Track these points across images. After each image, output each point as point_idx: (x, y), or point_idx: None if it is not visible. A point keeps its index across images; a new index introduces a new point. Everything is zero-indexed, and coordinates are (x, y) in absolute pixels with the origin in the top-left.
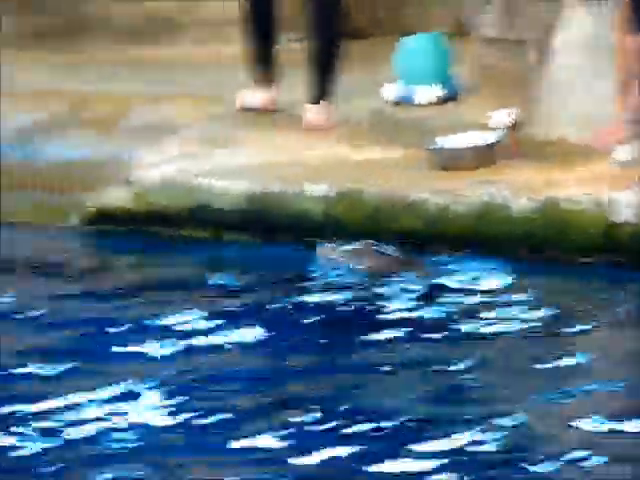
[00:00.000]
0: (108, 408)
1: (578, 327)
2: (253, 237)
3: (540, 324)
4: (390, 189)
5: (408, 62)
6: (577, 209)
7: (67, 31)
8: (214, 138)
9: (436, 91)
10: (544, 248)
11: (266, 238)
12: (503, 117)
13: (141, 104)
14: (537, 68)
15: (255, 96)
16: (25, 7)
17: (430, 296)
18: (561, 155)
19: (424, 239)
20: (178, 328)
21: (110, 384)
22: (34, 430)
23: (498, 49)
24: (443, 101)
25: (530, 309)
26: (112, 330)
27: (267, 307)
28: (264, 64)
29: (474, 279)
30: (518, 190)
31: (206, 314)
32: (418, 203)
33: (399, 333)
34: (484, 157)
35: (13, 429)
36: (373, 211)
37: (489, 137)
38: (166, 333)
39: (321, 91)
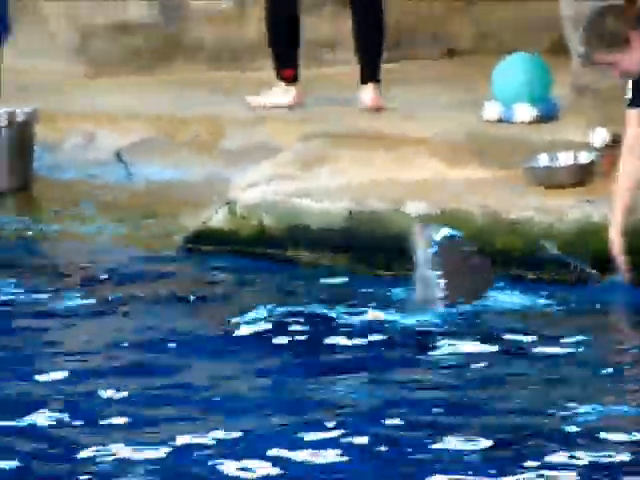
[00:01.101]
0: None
1: None
2: (353, 258)
3: None
4: (492, 207)
5: (507, 81)
6: None
7: (161, 53)
8: (310, 158)
9: (535, 110)
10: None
11: (366, 258)
12: (602, 136)
13: (237, 126)
14: None
15: (284, 94)
16: (117, 29)
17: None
18: None
19: (524, 258)
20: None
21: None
22: None
23: (596, 67)
24: (542, 120)
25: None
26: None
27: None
28: (291, 62)
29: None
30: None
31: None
32: (521, 222)
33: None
34: (580, 175)
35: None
36: (475, 230)
37: (585, 156)
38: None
39: (373, 70)
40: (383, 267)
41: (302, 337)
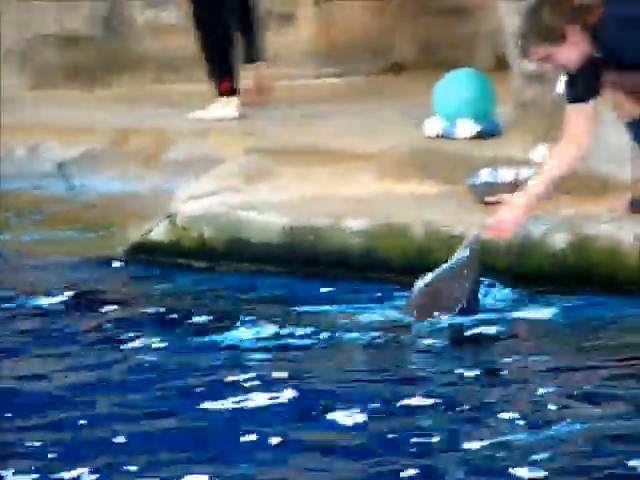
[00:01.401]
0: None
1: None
2: (293, 271)
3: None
4: (434, 223)
5: (450, 96)
6: (606, 244)
7: (107, 66)
8: (253, 172)
9: (477, 126)
10: (580, 283)
11: (306, 272)
12: (542, 152)
13: (182, 138)
14: None
15: (225, 107)
16: (62, 44)
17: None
18: (601, 190)
19: None
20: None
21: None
22: None
23: (539, 84)
24: (484, 136)
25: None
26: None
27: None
28: (228, 74)
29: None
30: (558, 225)
31: (238, 346)
32: (462, 238)
33: None
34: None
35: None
36: (416, 245)
37: (526, 172)
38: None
39: (256, 51)
40: (323, 281)
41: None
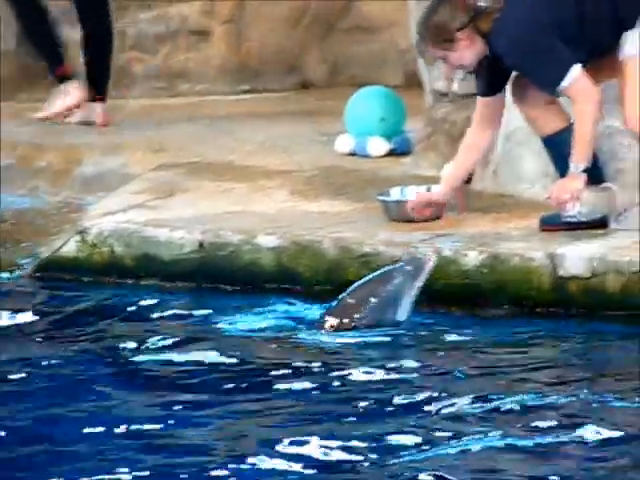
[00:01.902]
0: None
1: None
2: (204, 288)
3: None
4: (344, 240)
5: (361, 114)
6: (526, 263)
7: (19, 81)
8: (165, 187)
9: (389, 144)
10: (493, 301)
11: (217, 289)
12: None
13: (93, 154)
14: None
15: (66, 94)
16: None
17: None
18: (512, 209)
19: None
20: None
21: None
22: None
23: (450, 102)
24: (396, 154)
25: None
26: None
27: None
28: (59, 59)
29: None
30: (469, 243)
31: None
32: (372, 255)
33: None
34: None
35: None
36: (328, 262)
37: (436, 189)
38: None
39: (105, 85)
40: (235, 297)
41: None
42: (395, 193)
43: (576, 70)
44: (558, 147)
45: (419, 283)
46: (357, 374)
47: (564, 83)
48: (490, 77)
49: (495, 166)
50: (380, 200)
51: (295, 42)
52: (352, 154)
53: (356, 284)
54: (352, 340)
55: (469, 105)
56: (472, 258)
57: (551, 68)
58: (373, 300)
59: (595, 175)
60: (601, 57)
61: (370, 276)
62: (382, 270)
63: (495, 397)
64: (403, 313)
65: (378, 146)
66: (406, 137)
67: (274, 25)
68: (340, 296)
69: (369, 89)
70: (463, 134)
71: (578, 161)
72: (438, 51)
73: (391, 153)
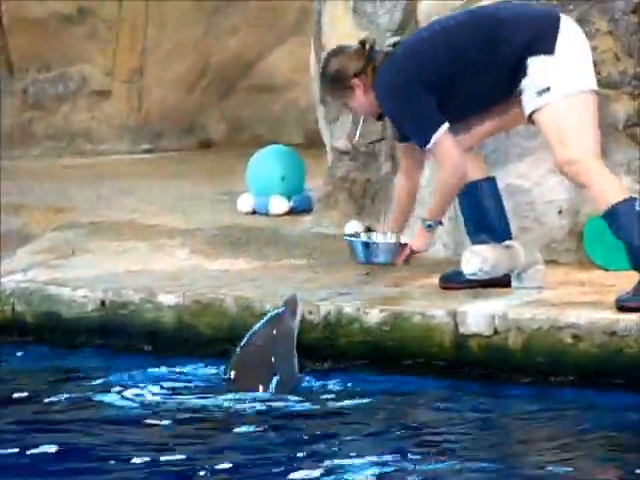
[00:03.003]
0: None
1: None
2: (106, 346)
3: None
4: (246, 298)
5: (261, 173)
6: (427, 320)
7: None
8: (65, 247)
9: (289, 202)
10: (394, 360)
11: (119, 347)
12: (355, 227)
13: None
14: (390, 180)
15: None
16: None
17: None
18: (414, 267)
19: None
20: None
21: None
22: None
23: (351, 160)
24: (297, 212)
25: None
26: None
27: None
28: None
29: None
30: (371, 301)
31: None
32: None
33: None
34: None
35: None
36: (230, 320)
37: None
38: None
39: None
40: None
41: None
42: (363, 235)
43: (440, 133)
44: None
45: (297, 322)
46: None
47: (429, 144)
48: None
49: None
50: (347, 240)
51: (195, 101)
52: (253, 213)
53: (245, 341)
54: (247, 405)
55: (369, 164)
56: (373, 316)
57: (419, 126)
58: (261, 348)
59: (502, 232)
60: (500, 108)
61: (255, 327)
62: (264, 320)
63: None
64: (285, 371)
65: (279, 205)
66: (307, 195)
67: (174, 85)
68: (234, 356)
69: (269, 148)
70: (364, 192)
71: (429, 217)
72: (337, 99)
73: (292, 211)
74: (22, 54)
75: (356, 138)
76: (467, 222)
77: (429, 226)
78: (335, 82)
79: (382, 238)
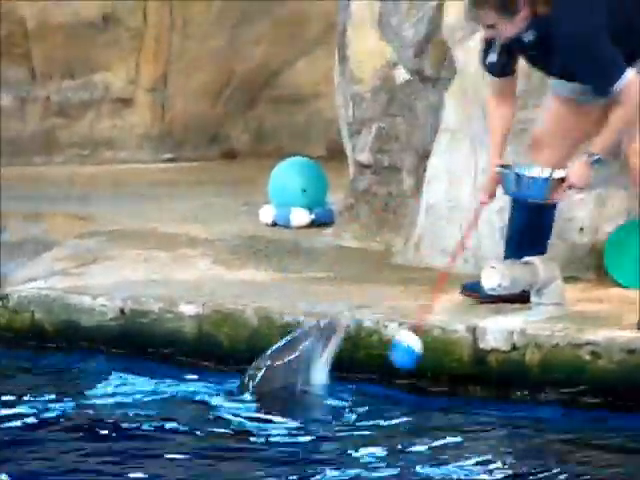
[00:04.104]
0: None
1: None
2: (125, 355)
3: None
4: (267, 310)
5: (284, 185)
6: (447, 335)
7: None
8: (86, 254)
9: (311, 214)
10: (413, 374)
11: (141, 356)
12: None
13: (16, 220)
14: (412, 194)
15: None
16: None
17: None
18: (433, 281)
19: None
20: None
21: None
22: None
23: (373, 174)
24: (318, 225)
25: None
26: None
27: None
28: None
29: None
30: (391, 315)
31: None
32: (294, 325)
33: None
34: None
35: None
36: (251, 332)
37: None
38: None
39: None
40: (155, 366)
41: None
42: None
43: (631, 73)
44: None
45: (332, 346)
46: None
47: (619, 84)
48: (509, 57)
49: (417, 239)
50: (498, 172)
51: (219, 111)
52: (275, 224)
53: (271, 349)
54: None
55: (391, 178)
56: (393, 329)
57: (609, 68)
58: (287, 365)
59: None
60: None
61: (284, 340)
62: (295, 333)
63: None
64: (319, 377)
65: (300, 217)
66: (328, 208)
67: (198, 94)
68: (256, 364)
69: (291, 160)
70: (385, 206)
71: (595, 150)
72: (496, 17)
73: (313, 224)
74: (46, 61)
75: (493, 59)
76: (516, 235)
77: (597, 161)
78: (502, 3)
79: (537, 172)
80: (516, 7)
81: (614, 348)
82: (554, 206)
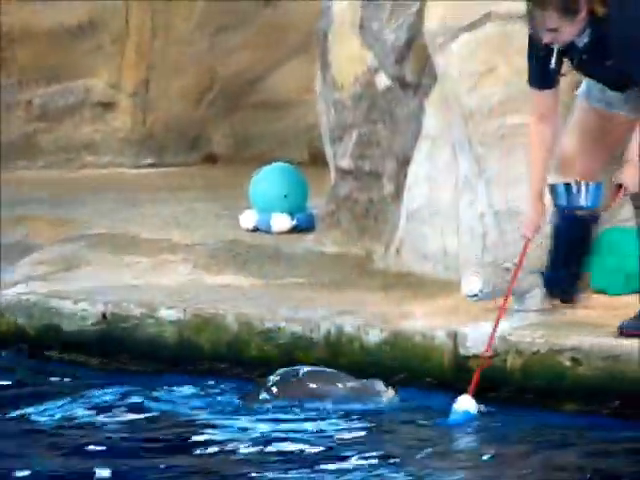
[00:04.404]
0: None
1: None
2: (106, 360)
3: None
4: (247, 315)
5: (265, 191)
6: (428, 341)
7: None
8: (67, 259)
9: (292, 220)
10: (393, 380)
11: (118, 361)
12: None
13: None
14: (392, 200)
15: None
16: None
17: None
18: (416, 287)
19: (279, 366)
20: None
21: None
22: None
23: (354, 180)
24: (299, 230)
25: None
26: None
27: None
28: None
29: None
30: (372, 320)
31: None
32: (273, 331)
33: None
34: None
35: None
36: (231, 337)
37: None
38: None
39: None
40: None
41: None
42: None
43: None
44: None
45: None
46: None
47: None
48: (558, 65)
49: (398, 245)
50: (549, 186)
51: (200, 116)
52: (256, 230)
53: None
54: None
55: (372, 184)
56: (374, 335)
57: None
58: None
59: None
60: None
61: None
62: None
63: None
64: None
65: (281, 222)
66: (309, 214)
67: (179, 99)
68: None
69: (273, 166)
70: (366, 212)
71: None
72: (558, 19)
73: (294, 229)
74: (28, 66)
75: (554, 69)
76: (564, 250)
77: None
78: (566, 2)
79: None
80: (578, 7)
81: (595, 355)
82: (598, 220)
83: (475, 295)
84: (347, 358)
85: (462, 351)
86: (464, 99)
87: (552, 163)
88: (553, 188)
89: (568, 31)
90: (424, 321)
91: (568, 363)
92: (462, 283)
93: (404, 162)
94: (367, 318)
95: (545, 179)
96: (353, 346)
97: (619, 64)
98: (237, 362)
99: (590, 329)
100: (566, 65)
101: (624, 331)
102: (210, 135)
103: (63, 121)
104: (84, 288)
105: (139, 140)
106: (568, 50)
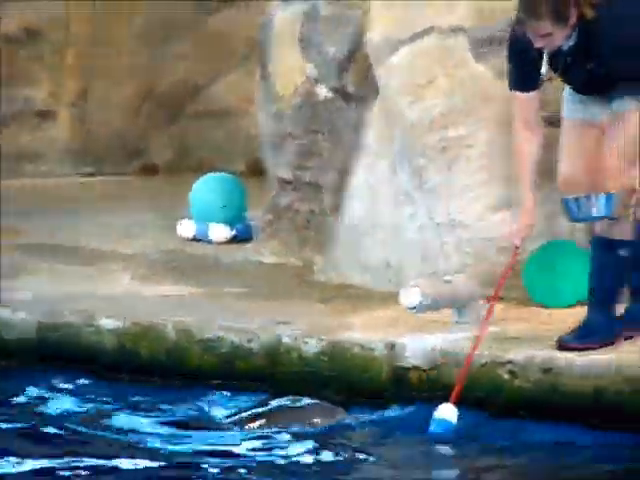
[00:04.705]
0: None
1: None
2: (44, 369)
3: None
4: (185, 324)
5: (203, 200)
6: (366, 352)
7: None
8: (6, 268)
9: (231, 230)
10: (331, 391)
11: (60, 370)
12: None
13: None
14: (332, 212)
15: None
16: None
17: None
18: (355, 299)
19: (218, 377)
20: None
21: None
22: None
23: (294, 190)
24: (238, 240)
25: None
26: None
27: None
28: None
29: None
30: (310, 331)
31: None
32: (212, 340)
33: None
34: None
35: None
36: (169, 346)
37: None
38: None
39: None
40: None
41: None
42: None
43: None
44: None
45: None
46: None
47: None
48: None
49: (337, 257)
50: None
51: (140, 126)
52: (195, 239)
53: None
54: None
55: (313, 195)
56: (312, 346)
57: None
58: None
59: None
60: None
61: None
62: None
63: None
64: None
65: (220, 232)
66: (248, 224)
67: (119, 109)
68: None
69: (212, 176)
70: (307, 223)
71: None
72: (551, 26)
73: (233, 239)
74: None
75: (544, 73)
76: (608, 283)
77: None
78: (557, 8)
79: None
80: (569, 13)
81: (531, 367)
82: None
83: (414, 307)
84: (285, 368)
85: (400, 362)
86: (405, 111)
87: (553, 186)
88: (564, 203)
89: (560, 36)
90: (363, 332)
91: (506, 376)
92: (401, 295)
93: (344, 173)
94: (306, 329)
95: (533, 189)
96: (291, 356)
97: (601, 67)
98: (175, 372)
99: (528, 342)
100: (544, 70)
101: (563, 344)
102: (150, 145)
103: (2, 130)
104: (23, 297)
105: (78, 150)
106: (554, 54)
